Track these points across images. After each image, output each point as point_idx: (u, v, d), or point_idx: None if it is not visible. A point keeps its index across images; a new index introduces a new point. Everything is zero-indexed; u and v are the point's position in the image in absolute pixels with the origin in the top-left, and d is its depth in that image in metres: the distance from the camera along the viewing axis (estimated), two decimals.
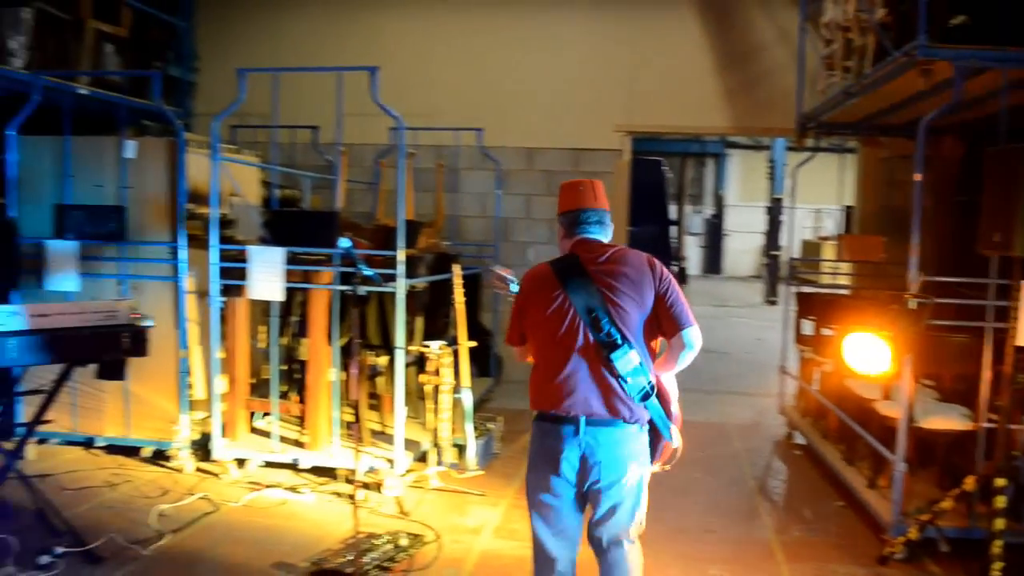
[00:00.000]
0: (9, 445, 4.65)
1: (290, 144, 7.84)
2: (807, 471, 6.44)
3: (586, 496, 3.04)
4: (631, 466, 3.01)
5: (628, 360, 2.92)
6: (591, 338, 2.95)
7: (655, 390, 3.00)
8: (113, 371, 4.50)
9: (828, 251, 9.97)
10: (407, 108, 5.33)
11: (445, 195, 7.70)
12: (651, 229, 9.91)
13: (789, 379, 7.57)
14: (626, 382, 2.93)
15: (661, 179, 10.25)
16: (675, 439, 3.09)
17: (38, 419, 4.46)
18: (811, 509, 5.59)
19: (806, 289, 7.58)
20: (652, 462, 3.11)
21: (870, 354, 5.45)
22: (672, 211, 11.11)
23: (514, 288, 3.31)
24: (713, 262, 25.96)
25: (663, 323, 3.03)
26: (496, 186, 8.08)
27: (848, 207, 10.27)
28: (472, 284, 6.70)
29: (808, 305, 7.17)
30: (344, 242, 4.20)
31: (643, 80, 8.81)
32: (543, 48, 8.94)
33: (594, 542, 3.12)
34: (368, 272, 4.06)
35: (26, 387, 4.99)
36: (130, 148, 5.65)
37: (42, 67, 6.11)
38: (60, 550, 4.32)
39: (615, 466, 2.98)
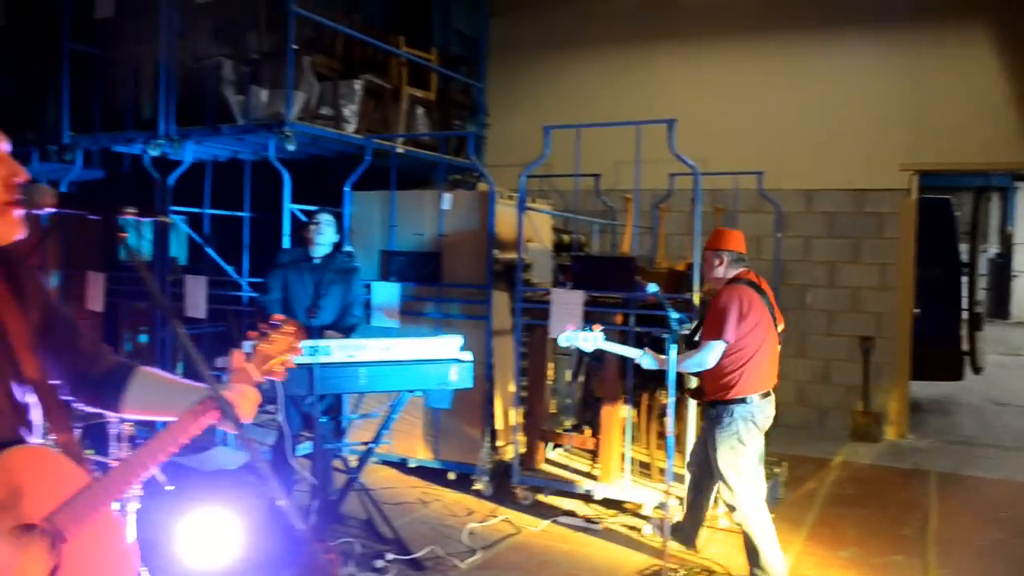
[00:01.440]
0: (336, 463, 5.41)
1: (573, 191, 8.41)
2: None
3: None
4: None
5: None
6: (776, 329, 4.58)
7: None
8: (440, 399, 5.11)
9: None
10: (684, 152, 5.59)
11: None
12: (938, 272, 9.46)
13: None
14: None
15: (950, 219, 9.78)
16: None
17: (378, 439, 5.17)
18: None
19: None
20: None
21: None
22: (961, 252, 10.50)
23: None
24: (999, 305, 23.82)
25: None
26: (775, 229, 8.17)
27: None
28: None
29: None
30: (652, 287, 4.54)
31: (930, 114, 8.55)
32: (821, 85, 8.93)
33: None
34: (676, 315, 4.36)
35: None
36: (447, 200, 6.40)
37: (367, 131, 7.07)
38: (390, 556, 4.98)
39: None
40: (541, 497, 6.18)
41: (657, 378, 6.06)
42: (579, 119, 7.59)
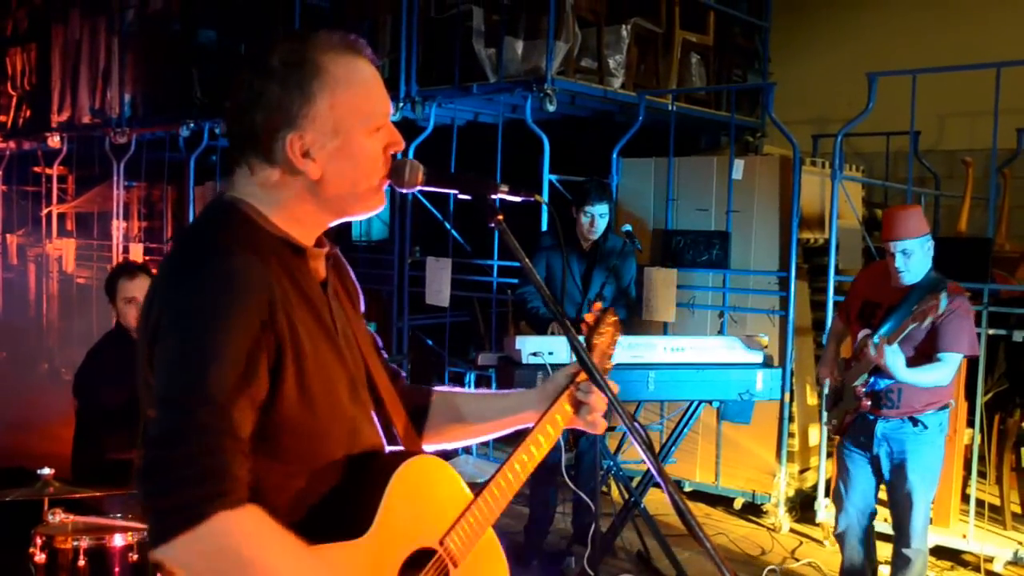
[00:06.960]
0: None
1: (882, 154, 7.97)
2: None
3: None
4: None
5: None
6: None
7: None
8: (740, 413, 4.95)
9: None
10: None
11: None
12: None
13: None
14: None
15: None
16: None
17: (665, 458, 5.10)
18: None
19: None
20: None
21: None
22: None
23: None
24: None
25: None
26: None
27: None
28: None
29: None
30: None
31: None
32: None
33: None
34: None
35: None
36: (738, 168, 6.21)
37: (634, 85, 6.99)
38: None
39: None
40: None
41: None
42: (883, 63, 7.01)
